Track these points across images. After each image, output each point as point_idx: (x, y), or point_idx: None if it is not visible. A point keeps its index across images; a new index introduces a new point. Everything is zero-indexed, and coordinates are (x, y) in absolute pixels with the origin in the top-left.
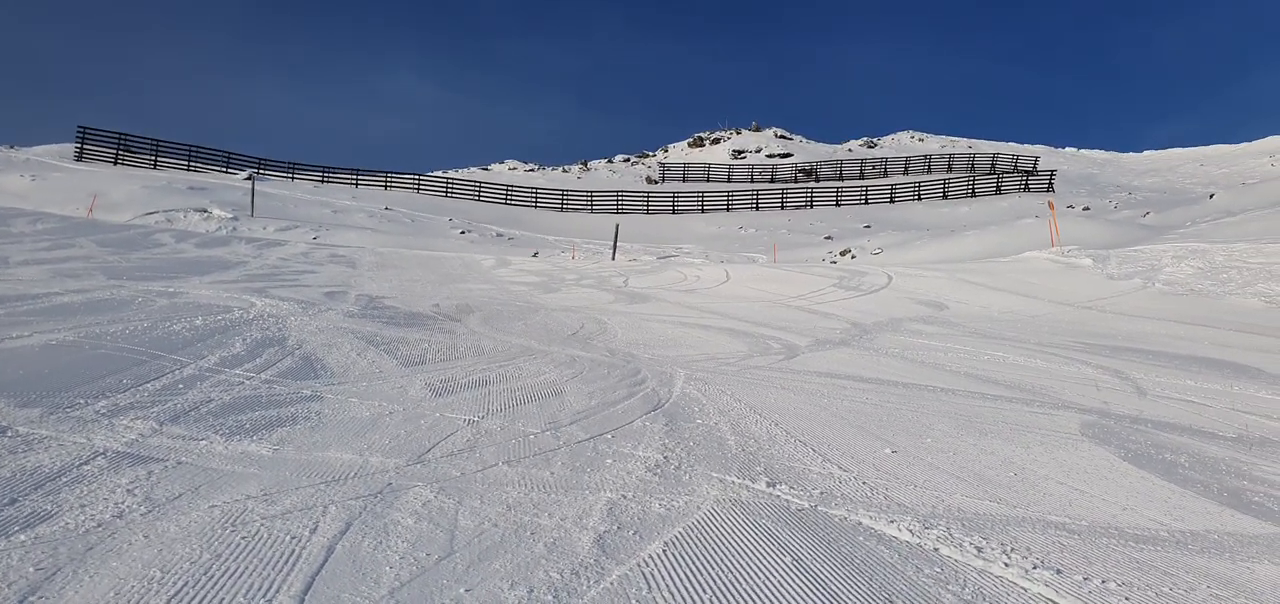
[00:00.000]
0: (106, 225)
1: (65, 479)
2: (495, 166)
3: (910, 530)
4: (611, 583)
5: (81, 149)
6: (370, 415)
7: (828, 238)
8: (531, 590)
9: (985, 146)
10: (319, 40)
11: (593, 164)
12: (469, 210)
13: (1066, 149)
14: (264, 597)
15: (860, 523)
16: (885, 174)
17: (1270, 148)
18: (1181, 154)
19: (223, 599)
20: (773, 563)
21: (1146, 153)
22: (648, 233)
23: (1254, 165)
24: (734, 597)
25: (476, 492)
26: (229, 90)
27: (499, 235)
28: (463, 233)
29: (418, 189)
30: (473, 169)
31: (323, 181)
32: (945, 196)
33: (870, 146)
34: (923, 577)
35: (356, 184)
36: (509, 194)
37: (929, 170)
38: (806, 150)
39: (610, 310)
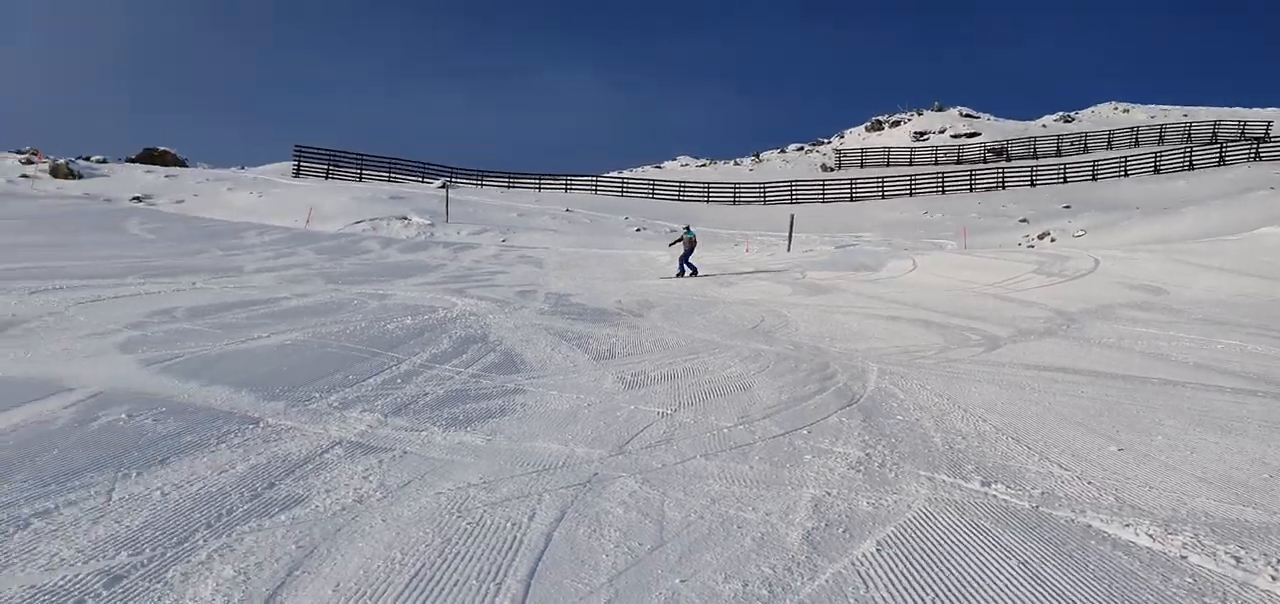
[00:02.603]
0: (321, 234)
1: (310, 466)
2: (668, 163)
3: (1150, 535)
4: (826, 581)
5: (298, 166)
6: (569, 407)
7: (1023, 220)
8: (746, 584)
9: (1204, 114)
10: (500, 51)
11: (765, 155)
12: (643, 208)
13: None
14: (494, 580)
15: (1090, 526)
16: (1085, 149)
17: None
18: None
19: (457, 581)
20: (997, 566)
21: None
22: (825, 222)
23: None
24: (957, 599)
25: (679, 483)
26: (422, 106)
27: (673, 230)
28: (638, 230)
29: (595, 190)
30: (646, 168)
31: (509, 186)
32: (1157, 171)
33: (1067, 121)
34: (1172, 587)
35: (540, 187)
36: (682, 190)
37: (1136, 143)
38: (995, 128)
39: (790, 303)
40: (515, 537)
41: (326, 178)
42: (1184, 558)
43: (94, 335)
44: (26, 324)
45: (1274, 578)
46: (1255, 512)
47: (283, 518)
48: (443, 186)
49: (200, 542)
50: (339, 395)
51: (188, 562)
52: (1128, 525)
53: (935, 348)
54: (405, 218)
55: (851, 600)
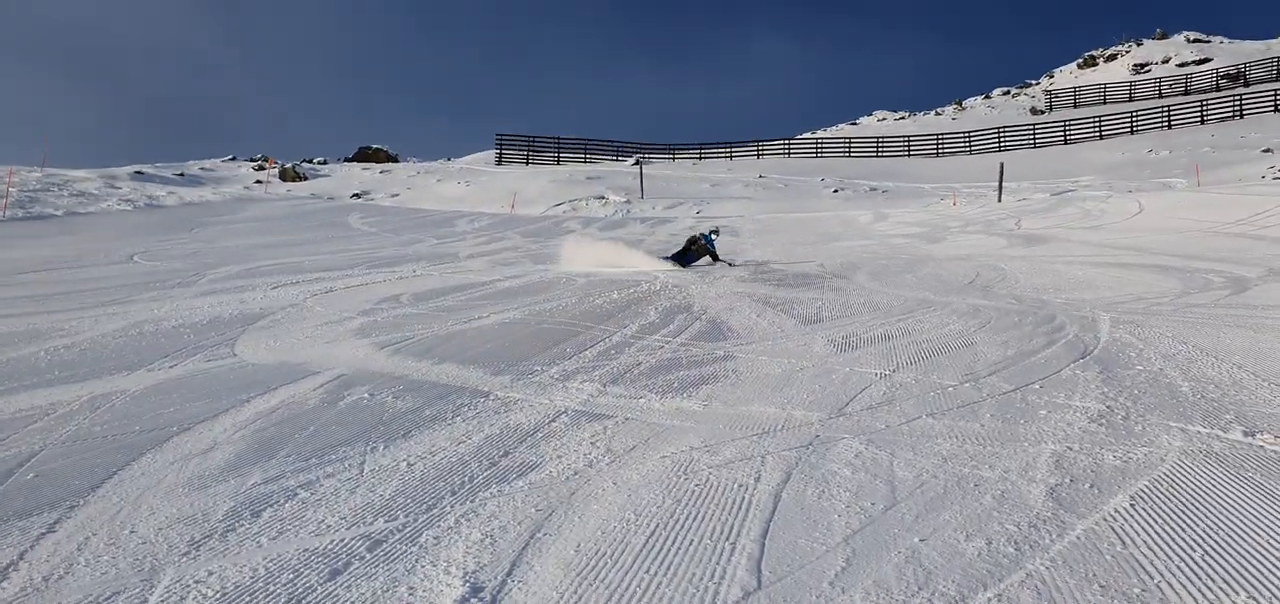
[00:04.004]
0: (525, 218)
1: (540, 434)
2: (864, 120)
3: None
4: (1078, 537)
5: (500, 154)
6: (782, 372)
7: (1267, 150)
8: (990, 542)
9: None
10: (688, 20)
11: (968, 102)
12: (840, 168)
13: None
14: (728, 540)
15: None
16: None
17: None
18: None
19: (692, 541)
20: (1274, 519)
21: None
22: (1036, 169)
23: None
24: (1230, 555)
25: (907, 443)
26: (610, 86)
27: (872, 189)
28: (835, 191)
29: (788, 153)
30: (841, 126)
31: (700, 158)
32: None
33: None
34: None
35: (731, 156)
36: (880, 146)
37: None
38: (1229, 51)
39: (1006, 255)
40: (742, 498)
41: (526, 163)
42: None
43: (331, 323)
44: (272, 316)
45: None
46: None
47: (520, 484)
48: (635, 163)
49: (447, 508)
50: (559, 368)
51: (438, 526)
52: None
53: (1173, 294)
54: (602, 197)
55: (1108, 556)
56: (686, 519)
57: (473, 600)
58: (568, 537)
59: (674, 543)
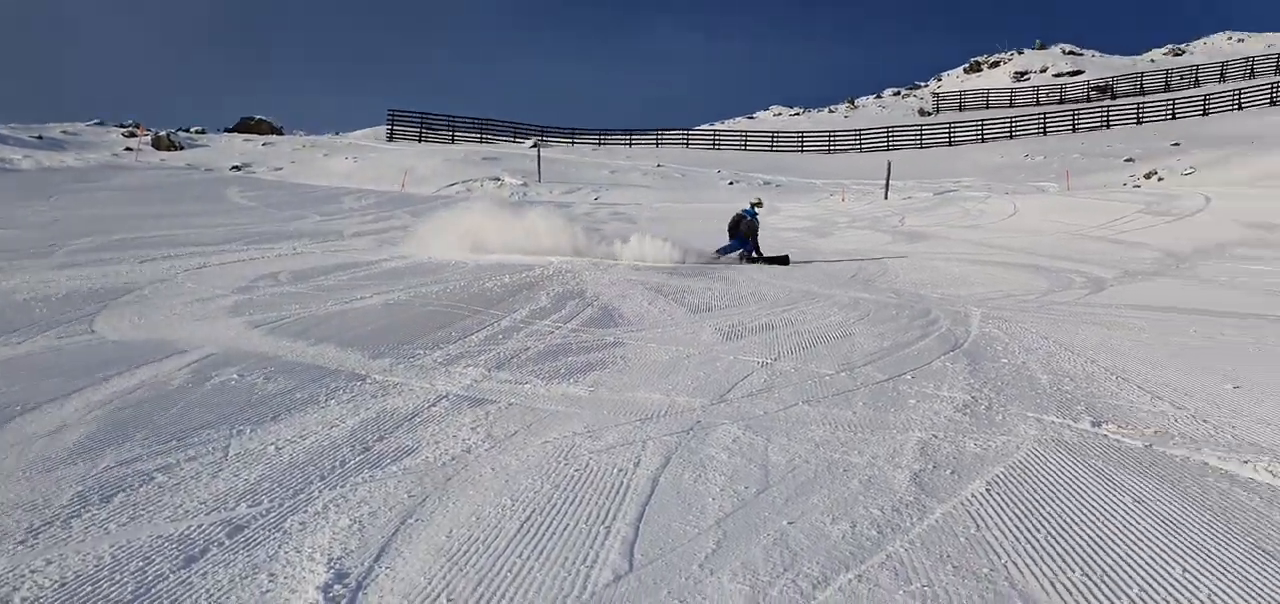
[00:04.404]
0: (417, 197)
1: (419, 419)
2: (760, 114)
3: (1270, 472)
4: (936, 520)
5: (392, 130)
6: (669, 359)
7: (1129, 160)
8: (854, 525)
9: None
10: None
11: (860, 101)
12: (736, 161)
13: None
14: (603, 524)
15: (1206, 463)
16: (1196, 83)
17: None
18: None
19: (567, 525)
20: (1111, 502)
21: None
22: (922, 168)
23: None
24: (1070, 535)
25: (782, 429)
26: (511, 66)
27: (765, 183)
28: (731, 183)
29: (686, 144)
30: (738, 119)
31: (599, 144)
32: (1274, 103)
33: (1176, 54)
34: None
35: (630, 144)
36: (774, 140)
37: (1252, 75)
38: (1100, 65)
39: (889, 251)
40: (622, 482)
41: (419, 140)
42: None
43: (203, 300)
44: (140, 290)
45: None
46: None
47: (394, 469)
48: (534, 146)
49: (315, 493)
50: (443, 352)
51: (304, 512)
52: (1246, 462)
53: (1039, 291)
54: (498, 179)
55: (962, 539)
56: (563, 504)
57: (336, 587)
58: (440, 522)
59: (549, 528)
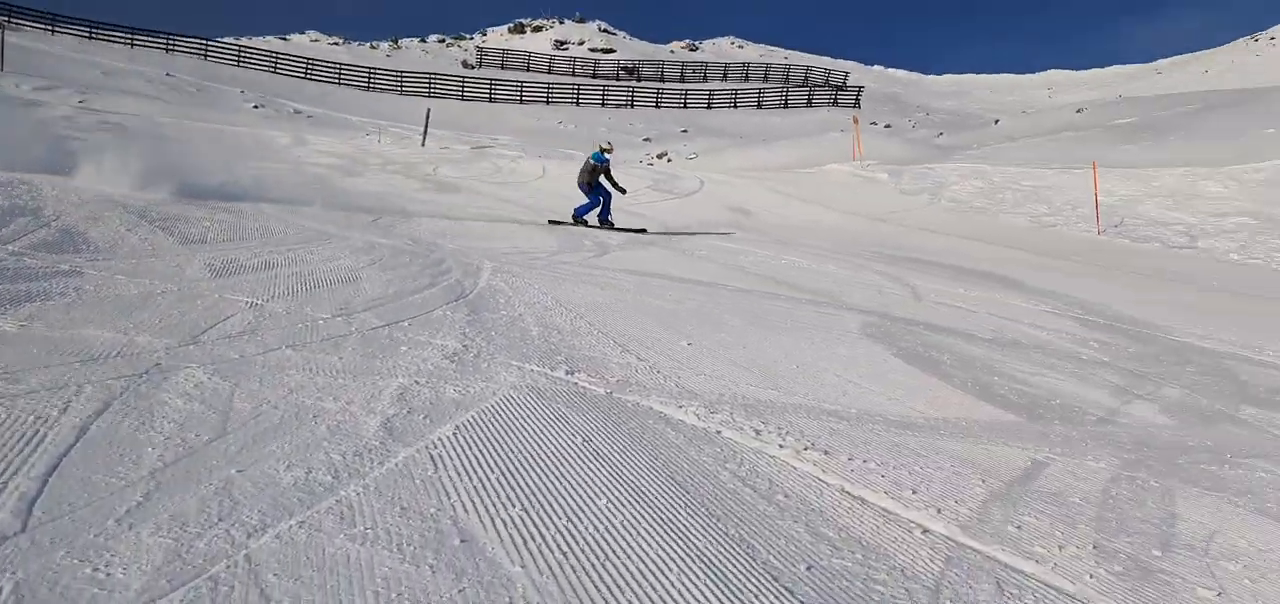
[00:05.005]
0: None
1: None
2: (295, 37)
3: (696, 415)
4: (397, 464)
5: None
6: (139, 293)
7: (646, 139)
8: (309, 471)
9: (801, 59)
10: None
11: (404, 42)
12: (264, 83)
13: (874, 67)
14: None
15: (651, 408)
16: (705, 79)
17: (1050, 81)
18: (976, 80)
19: None
20: (563, 443)
21: (947, 76)
22: (462, 121)
23: (1035, 96)
24: (521, 474)
25: (256, 375)
26: None
27: (297, 112)
28: (256, 107)
29: (205, 56)
30: (269, 38)
31: (90, 39)
32: (760, 106)
33: (692, 50)
34: (703, 456)
35: (133, 45)
36: (309, 68)
37: (747, 78)
38: (630, 48)
39: (417, 198)
40: (39, 431)
41: None
42: (719, 432)
43: None
44: None
45: (780, 446)
46: (778, 394)
47: None
48: None
49: None
50: None
51: None
52: (681, 406)
53: (550, 250)
54: None
55: (418, 481)
56: None
57: None
58: None
59: None
